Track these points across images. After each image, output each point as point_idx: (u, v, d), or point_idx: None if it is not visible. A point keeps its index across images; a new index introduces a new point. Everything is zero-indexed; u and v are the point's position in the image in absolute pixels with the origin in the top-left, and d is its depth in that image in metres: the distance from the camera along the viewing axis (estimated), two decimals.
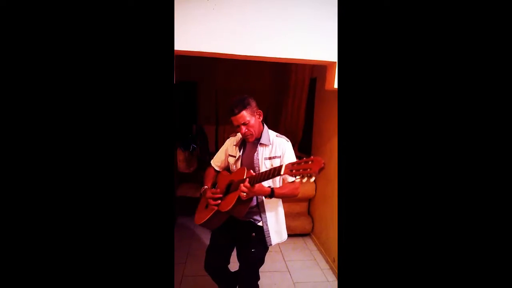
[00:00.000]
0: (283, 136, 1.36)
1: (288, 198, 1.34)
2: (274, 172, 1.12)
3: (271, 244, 1.35)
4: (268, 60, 1.52)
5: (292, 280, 2.07)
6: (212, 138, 3.83)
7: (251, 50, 1.41)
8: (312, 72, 2.78)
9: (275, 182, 1.34)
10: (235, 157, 1.39)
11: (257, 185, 1.18)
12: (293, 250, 2.49)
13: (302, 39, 1.43)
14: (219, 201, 1.33)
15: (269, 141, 1.33)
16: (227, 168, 1.48)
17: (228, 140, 1.48)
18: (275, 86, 3.91)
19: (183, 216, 2.94)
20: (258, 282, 1.48)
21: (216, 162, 1.51)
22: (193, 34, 1.34)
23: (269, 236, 1.34)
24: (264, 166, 1.31)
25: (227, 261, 1.50)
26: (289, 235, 2.64)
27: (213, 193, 1.34)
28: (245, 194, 1.17)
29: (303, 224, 2.67)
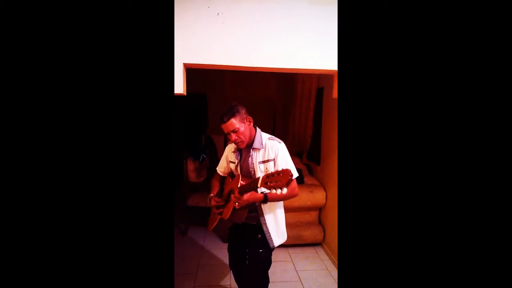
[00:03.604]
0: (276, 138, 1.39)
1: (286, 199, 1.37)
2: (252, 185, 1.19)
3: (274, 247, 1.40)
4: (276, 71, 1.56)
5: None
6: (220, 148, 3.88)
7: (259, 62, 1.44)
8: (319, 81, 2.80)
9: None
10: (234, 163, 1.45)
11: (247, 194, 1.23)
12: (304, 259, 2.46)
13: (309, 49, 1.46)
14: (222, 210, 1.42)
15: (262, 144, 1.36)
16: (231, 173, 1.54)
17: (227, 147, 1.54)
18: (282, 96, 3.95)
19: (194, 226, 2.95)
20: (269, 287, 1.50)
21: (220, 168, 1.59)
22: (202, 49, 1.40)
23: (271, 238, 1.39)
24: (259, 170, 1.34)
25: (245, 259, 1.55)
26: (300, 245, 2.65)
27: (216, 202, 1.44)
28: (237, 203, 1.26)
29: (314, 233, 2.64)
